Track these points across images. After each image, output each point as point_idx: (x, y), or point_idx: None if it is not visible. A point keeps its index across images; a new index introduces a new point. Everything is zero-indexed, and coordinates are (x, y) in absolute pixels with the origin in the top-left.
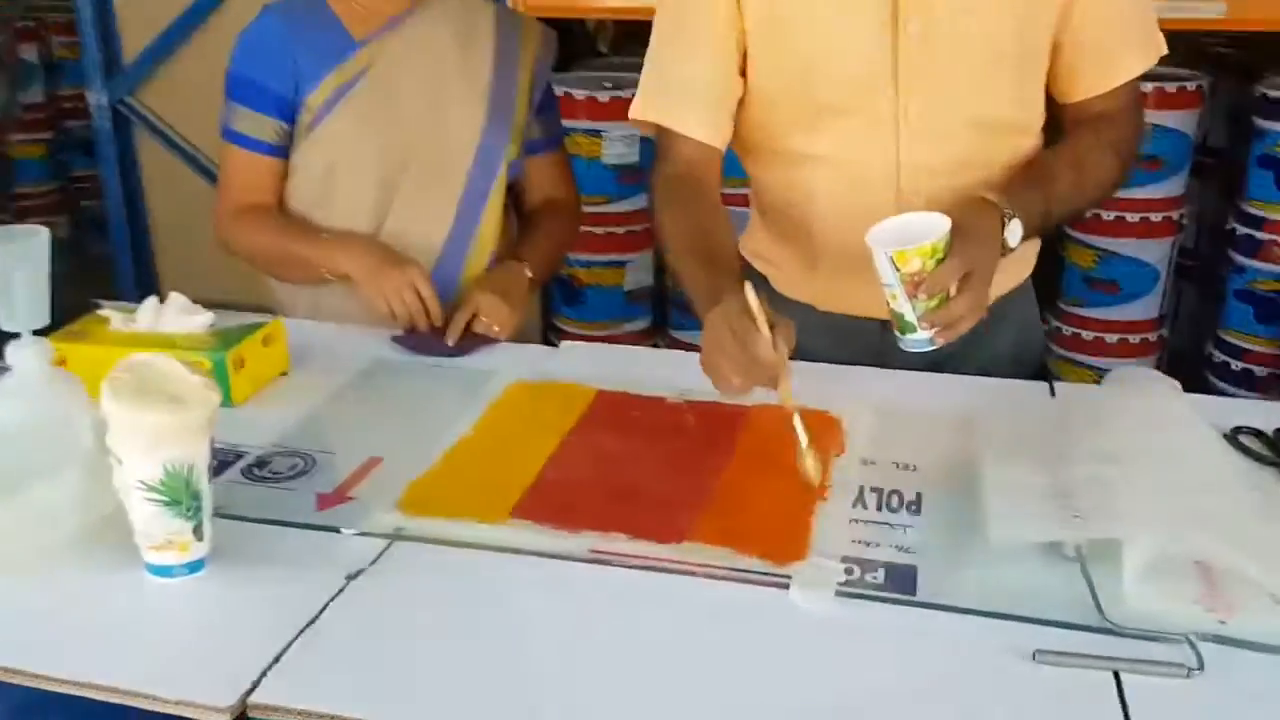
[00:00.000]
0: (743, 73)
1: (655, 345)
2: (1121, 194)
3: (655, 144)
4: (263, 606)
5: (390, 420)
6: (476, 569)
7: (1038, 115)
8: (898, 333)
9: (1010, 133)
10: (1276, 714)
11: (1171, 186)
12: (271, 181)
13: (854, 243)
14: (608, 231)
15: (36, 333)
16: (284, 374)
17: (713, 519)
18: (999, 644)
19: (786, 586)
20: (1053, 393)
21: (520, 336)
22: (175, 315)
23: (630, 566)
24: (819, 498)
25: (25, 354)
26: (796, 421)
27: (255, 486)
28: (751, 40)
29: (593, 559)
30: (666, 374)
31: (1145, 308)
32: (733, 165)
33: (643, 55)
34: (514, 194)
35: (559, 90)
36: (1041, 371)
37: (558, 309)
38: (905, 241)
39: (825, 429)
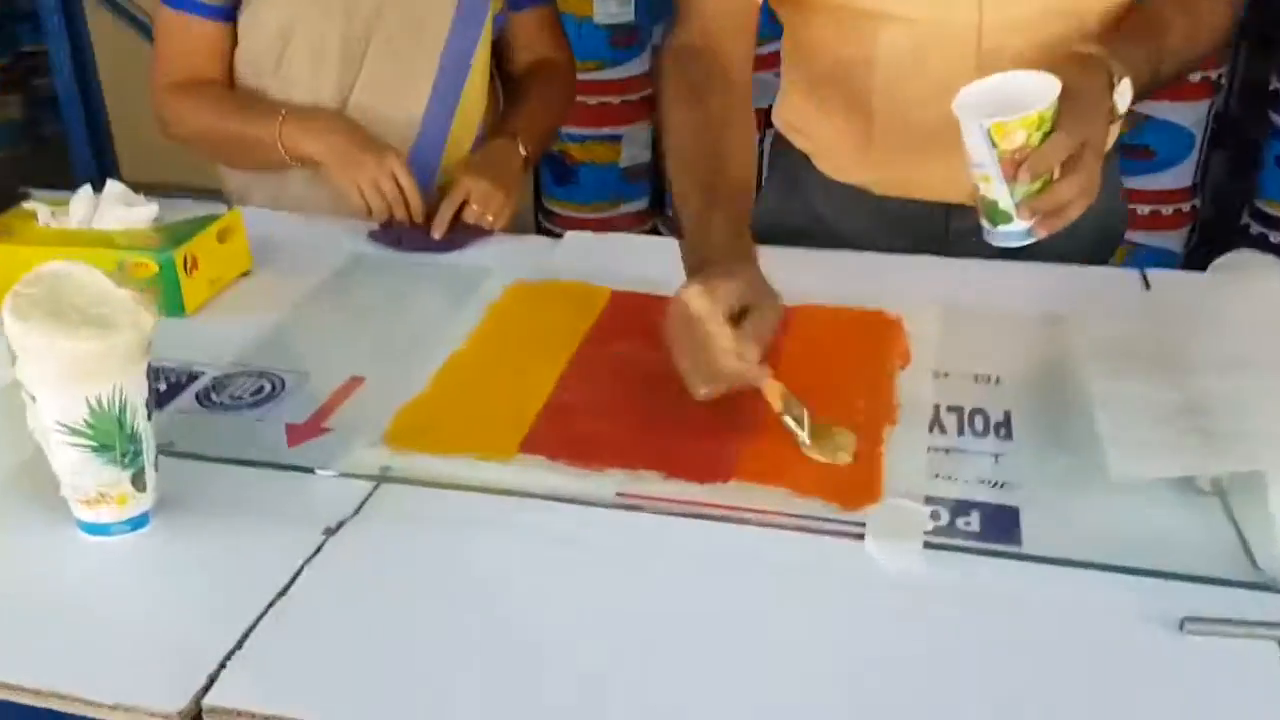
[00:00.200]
0: None
1: (654, 229)
2: None
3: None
4: (221, 573)
5: (372, 331)
6: (480, 518)
7: None
8: (987, 223)
9: None
10: None
11: None
12: (216, 49)
13: (921, 116)
14: (601, 102)
15: None
16: (246, 274)
17: (764, 451)
18: (1131, 607)
19: (859, 537)
20: (1147, 284)
21: (514, 226)
22: (113, 207)
23: (666, 513)
24: (887, 421)
25: None
26: (789, 423)
27: (212, 416)
28: None
29: (620, 504)
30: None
31: (1178, 176)
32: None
33: None
34: (498, 57)
35: None
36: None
37: (549, 190)
38: (1002, 110)
39: (885, 334)
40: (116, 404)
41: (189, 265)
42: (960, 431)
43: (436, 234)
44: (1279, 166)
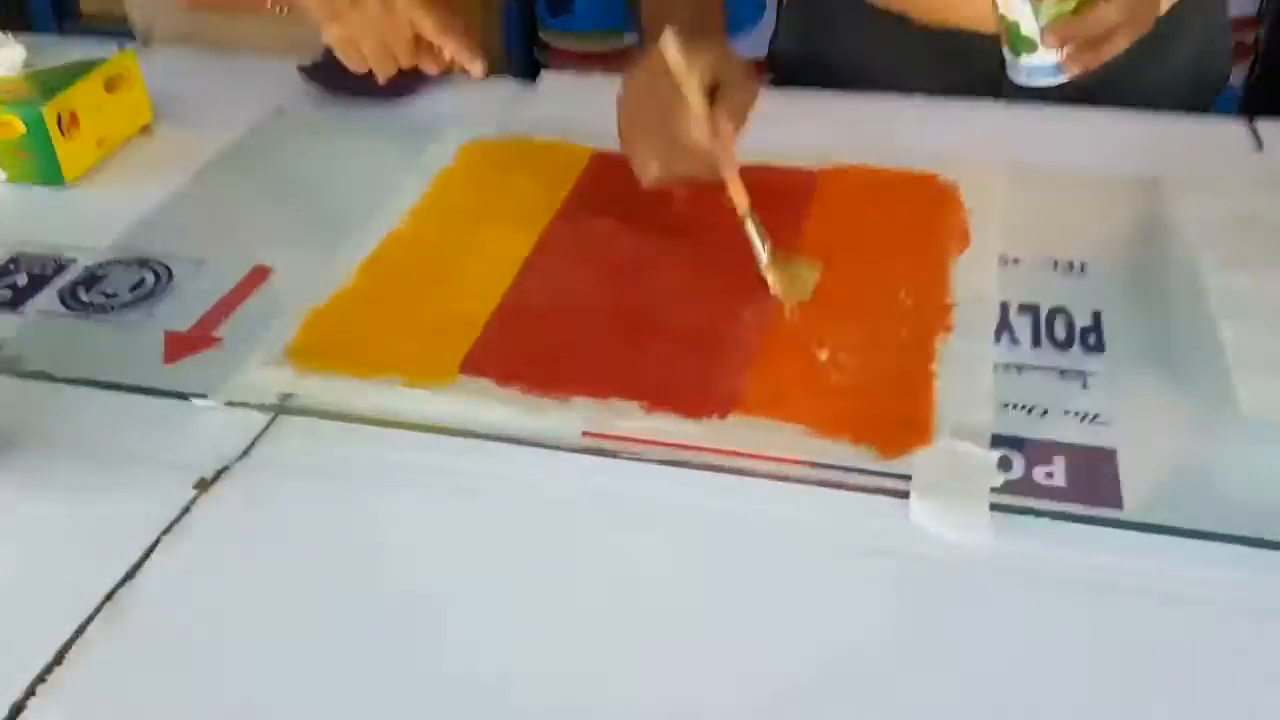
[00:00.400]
0: None
1: None
2: None
3: None
4: (55, 543)
5: (289, 206)
6: (403, 464)
7: None
8: (1009, 53)
9: None
10: None
11: None
12: None
13: None
14: None
15: None
16: (145, 131)
17: (778, 375)
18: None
19: (903, 494)
20: (1258, 140)
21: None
22: None
23: (647, 459)
24: (940, 327)
25: None
26: (750, 229)
27: (76, 321)
28: None
29: (587, 446)
30: None
31: (1240, 2)
32: None
33: None
34: None
35: None
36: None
37: (544, 21)
38: None
39: (937, 205)
40: None
41: (65, 123)
42: (1036, 341)
43: (381, 78)
44: None
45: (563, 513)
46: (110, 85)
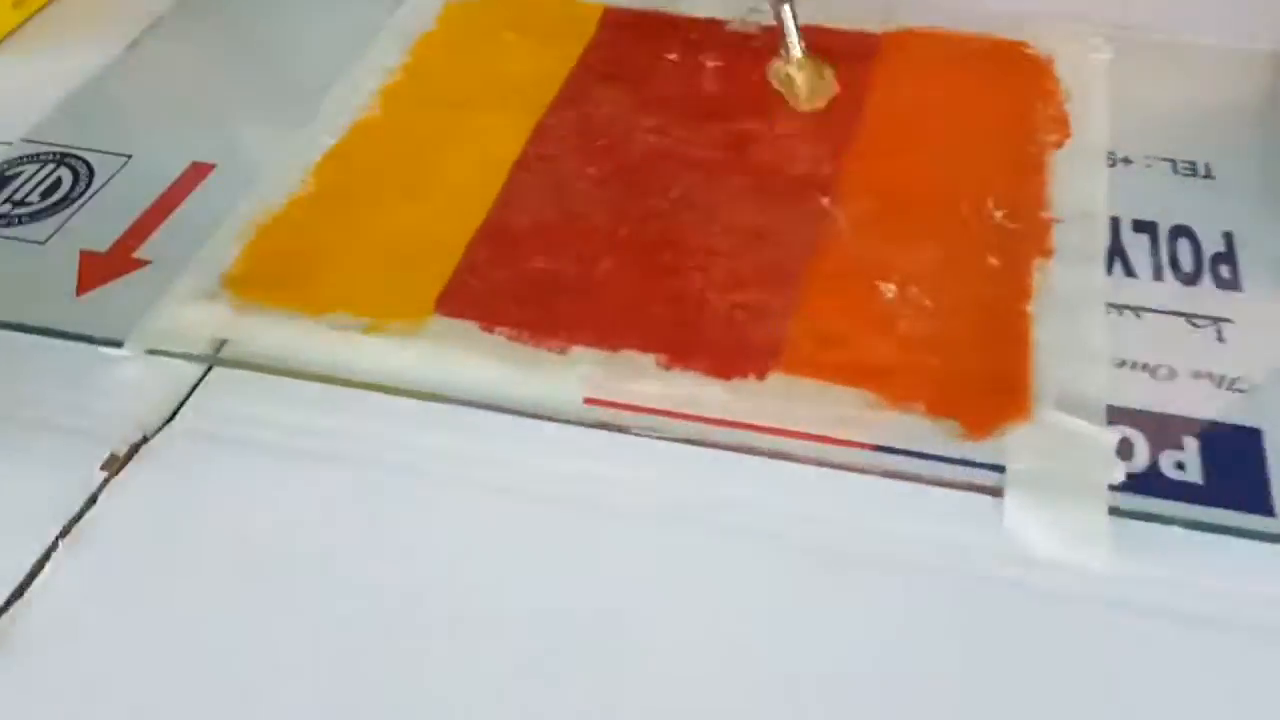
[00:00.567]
0: None
1: None
2: None
3: None
4: None
5: (238, 83)
6: (363, 435)
7: None
8: None
9: None
10: None
11: None
12: None
13: None
14: None
15: None
16: None
17: (828, 316)
18: None
19: (993, 491)
20: None
21: None
22: None
23: (664, 436)
24: (1037, 251)
25: None
26: (786, 13)
27: None
28: None
29: (589, 418)
30: None
31: None
32: None
33: None
34: None
35: None
36: None
37: None
38: None
39: (1026, 83)
40: None
41: None
42: (1157, 273)
43: None
44: None
45: (552, 510)
46: None
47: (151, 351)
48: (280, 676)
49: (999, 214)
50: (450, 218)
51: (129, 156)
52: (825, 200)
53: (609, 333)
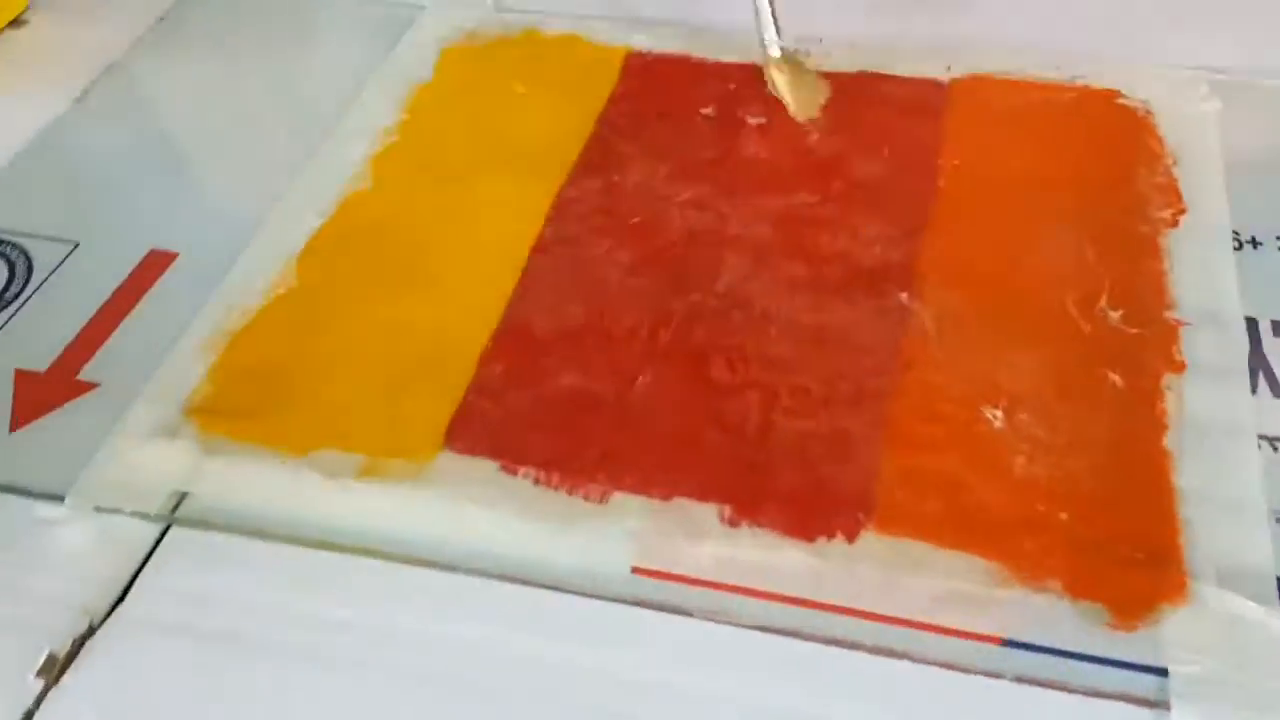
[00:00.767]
0: None
1: None
2: None
3: None
4: None
5: (203, 147)
6: (360, 620)
7: None
8: None
9: None
10: None
11: None
12: None
13: None
14: None
15: None
16: (17, 24)
17: (928, 454)
18: None
19: (1152, 704)
20: None
21: None
22: None
23: (732, 622)
24: (1166, 366)
25: None
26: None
27: None
28: None
29: (640, 596)
30: None
31: None
32: None
33: None
34: None
35: None
36: None
37: None
38: None
39: (1126, 141)
40: None
41: None
42: None
43: None
44: None
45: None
46: None
47: (100, 509)
48: None
49: (1115, 315)
50: (459, 319)
51: (75, 244)
52: (904, 296)
53: (658, 474)
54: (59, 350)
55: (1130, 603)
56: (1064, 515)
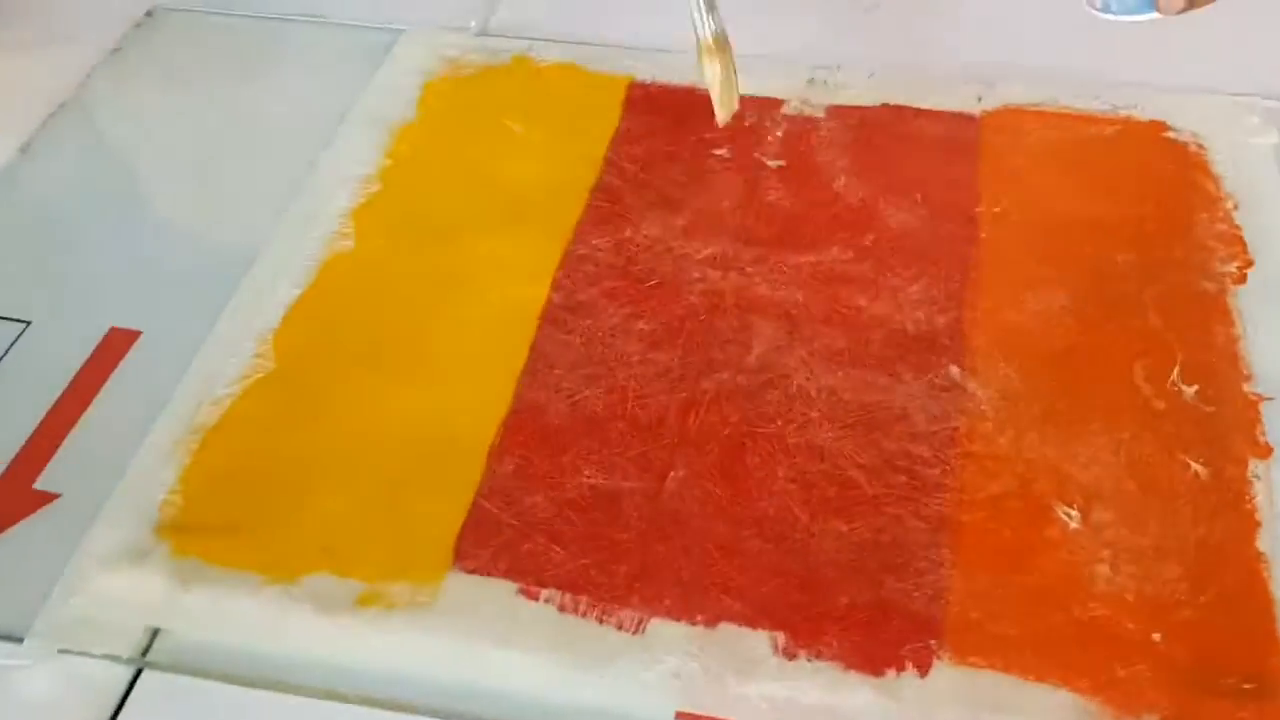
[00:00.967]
0: None
1: None
2: None
3: None
4: None
5: (167, 204)
6: None
7: None
8: None
9: None
10: None
11: None
12: None
13: None
14: None
15: None
16: None
17: (998, 566)
18: None
19: None
20: None
21: None
22: None
23: None
24: (1251, 450)
25: None
26: None
27: None
28: None
29: None
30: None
31: None
32: None
33: None
34: None
35: None
36: None
37: None
38: None
39: (1179, 182)
40: None
41: None
42: None
43: None
44: None
45: None
46: None
47: (64, 650)
48: None
49: (1190, 390)
50: (462, 405)
51: (27, 323)
52: (955, 370)
53: (699, 594)
54: (12, 454)
55: None
56: (1157, 636)
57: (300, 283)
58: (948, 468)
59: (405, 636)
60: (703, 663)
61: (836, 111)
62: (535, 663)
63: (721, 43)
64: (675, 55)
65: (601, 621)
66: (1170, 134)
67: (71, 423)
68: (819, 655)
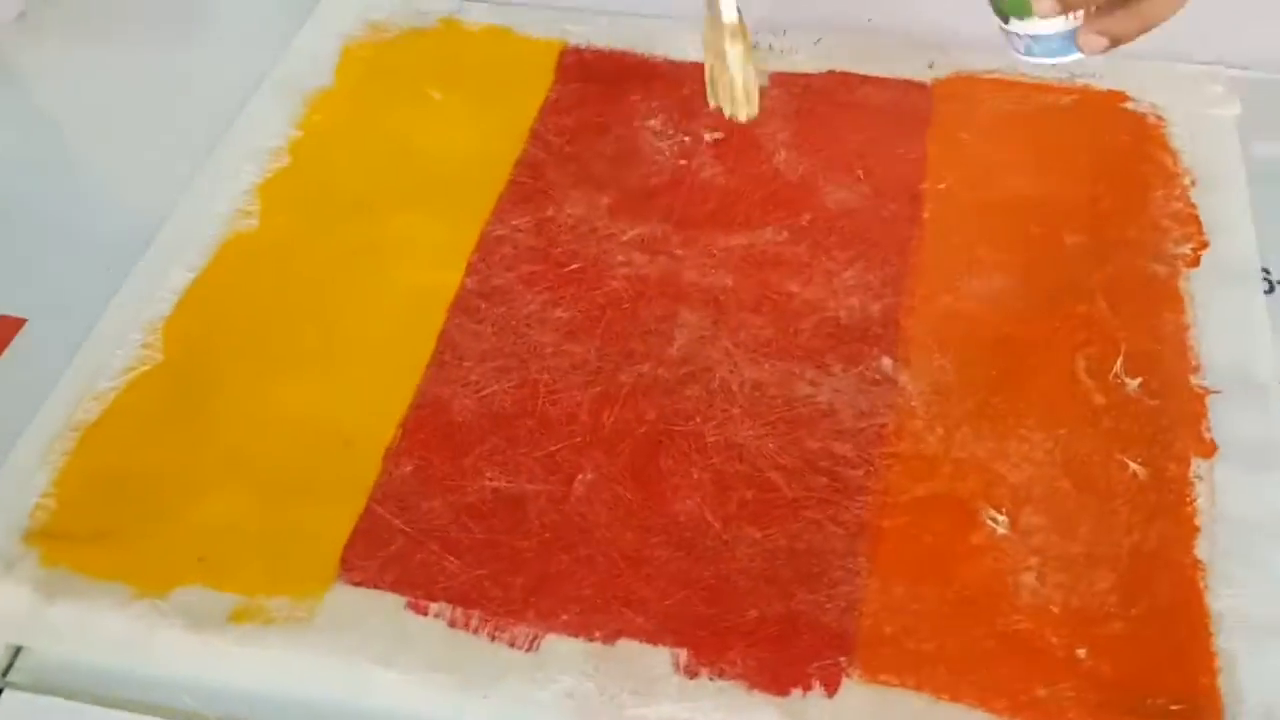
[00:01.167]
0: None
1: None
2: None
3: None
4: None
5: (53, 190)
6: None
7: None
8: (998, 18)
9: None
10: None
11: None
12: None
13: None
14: None
15: None
16: None
17: (919, 578)
18: None
19: None
20: None
21: None
22: None
23: None
24: (1195, 449)
25: None
26: None
27: None
28: None
29: None
30: None
31: None
32: None
33: None
34: None
35: None
36: None
37: None
38: None
39: (1136, 156)
40: None
41: None
42: None
43: None
44: None
45: None
46: None
47: None
48: None
49: (1133, 383)
50: (361, 402)
51: None
52: (886, 362)
53: (600, 608)
54: None
55: None
56: (1082, 651)
57: (196, 266)
58: (871, 469)
59: (281, 655)
60: (598, 682)
61: (780, 79)
62: (419, 683)
63: (743, 25)
64: (614, 18)
65: (494, 638)
66: (1129, 104)
67: None
68: (722, 674)
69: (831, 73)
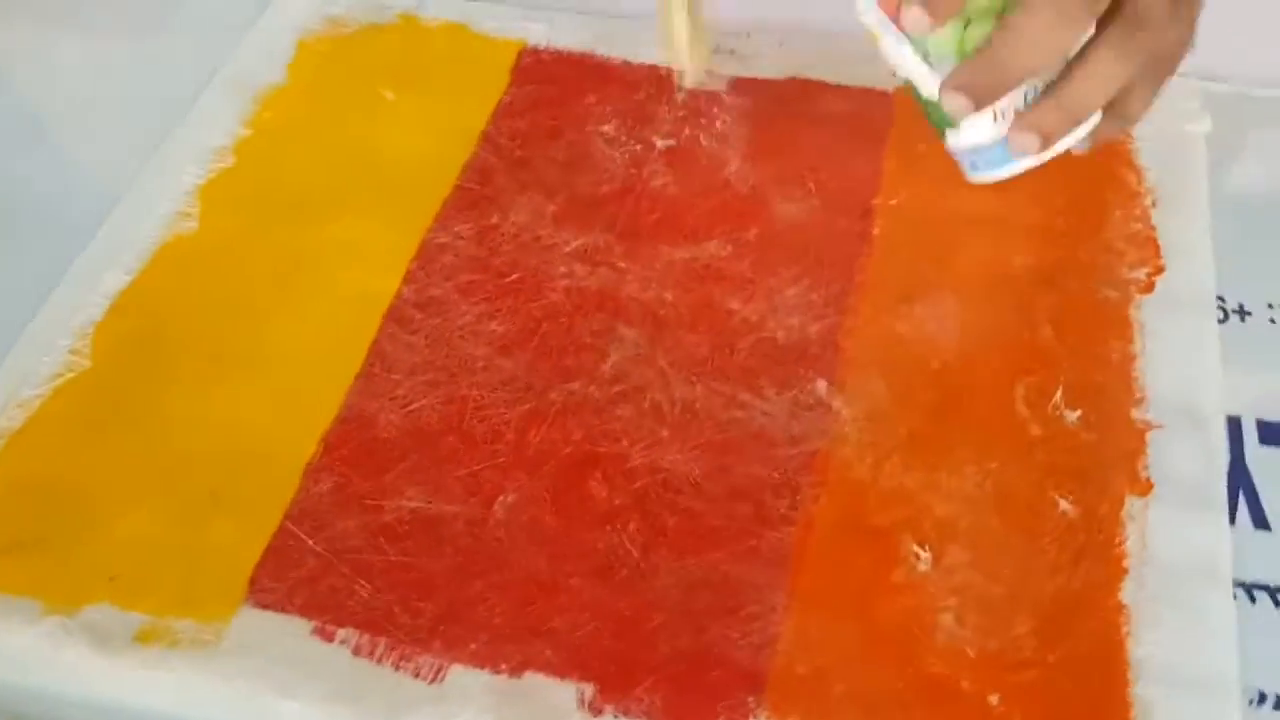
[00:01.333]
0: None
1: None
2: None
3: None
4: None
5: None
6: None
7: None
8: (938, 130)
9: None
10: None
11: None
12: None
13: None
14: None
15: None
16: None
17: (835, 616)
18: None
19: None
20: None
21: None
22: None
23: None
24: (1129, 487)
25: None
26: None
27: None
28: None
29: None
30: None
31: None
32: None
33: None
34: None
35: None
36: None
37: None
38: None
39: (1095, 179)
40: None
41: None
42: None
43: None
44: None
45: None
46: None
47: None
48: None
49: (1072, 416)
50: (285, 415)
51: None
52: (822, 385)
53: (510, 639)
54: None
55: None
56: (994, 698)
57: (132, 269)
58: (797, 498)
59: (185, 679)
60: (500, 716)
61: (740, 85)
62: (319, 715)
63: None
64: (574, 17)
65: (398, 668)
66: None
67: None
68: (627, 711)
69: (793, 79)
